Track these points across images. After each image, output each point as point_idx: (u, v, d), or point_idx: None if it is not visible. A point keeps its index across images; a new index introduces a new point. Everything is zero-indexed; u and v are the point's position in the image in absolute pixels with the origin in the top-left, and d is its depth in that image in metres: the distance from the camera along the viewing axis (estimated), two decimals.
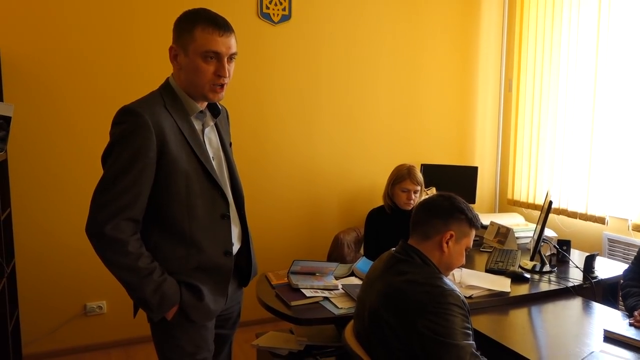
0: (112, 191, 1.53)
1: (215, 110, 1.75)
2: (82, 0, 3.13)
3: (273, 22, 3.59)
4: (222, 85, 1.63)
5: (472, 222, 1.71)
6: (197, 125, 1.69)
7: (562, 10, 3.67)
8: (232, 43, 1.61)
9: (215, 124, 1.77)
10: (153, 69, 3.31)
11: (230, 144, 1.86)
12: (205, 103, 1.71)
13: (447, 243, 1.67)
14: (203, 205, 1.64)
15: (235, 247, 1.77)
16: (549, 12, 3.79)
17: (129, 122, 1.54)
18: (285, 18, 3.63)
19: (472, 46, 4.26)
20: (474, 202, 3.97)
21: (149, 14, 3.29)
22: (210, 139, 1.74)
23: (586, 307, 2.23)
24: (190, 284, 1.63)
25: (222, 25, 1.59)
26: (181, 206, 1.61)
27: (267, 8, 3.56)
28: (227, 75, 1.62)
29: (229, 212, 1.71)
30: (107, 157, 1.57)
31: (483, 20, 4.26)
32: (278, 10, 3.60)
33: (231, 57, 1.63)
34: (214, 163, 1.70)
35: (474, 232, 1.74)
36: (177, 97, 1.65)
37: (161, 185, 1.58)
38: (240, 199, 1.80)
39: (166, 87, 1.68)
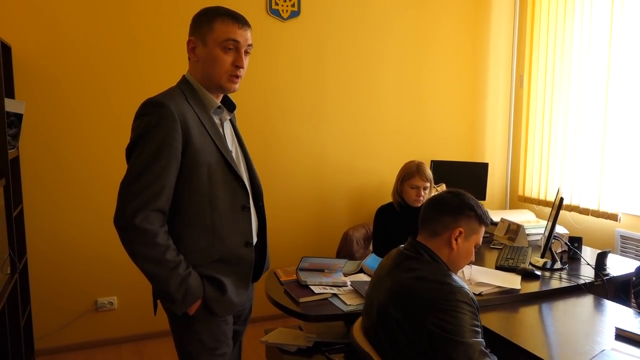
0: (140, 182, 1.54)
1: (231, 105, 1.79)
2: (92, 0, 3.16)
3: (282, 18, 3.59)
4: (237, 77, 1.67)
5: (482, 218, 1.70)
6: (216, 120, 1.73)
7: (575, 5, 3.63)
8: (249, 36, 1.68)
9: (231, 119, 1.82)
10: (161, 67, 3.33)
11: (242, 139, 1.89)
12: (221, 98, 1.76)
13: (456, 240, 1.66)
14: (224, 197, 1.67)
15: (254, 241, 1.78)
16: (561, 7, 3.75)
17: (154, 113, 1.56)
18: (295, 14, 3.62)
19: (483, 41, 4.23)
20: (484, 199, 3.94)
21: (158, 14, 3.30)
22: (227, 133, 1.78)
23: (597, 305, 2.21)
24: (213, 277, 1.65)
25: (240, 19, 1.66)
26: (203, 197, 1.63)
27: (277, 4, 3.56)
28: (244, 65, 1.67)
29: (249, 204, 1.73)
30: (133, 148, 1.58)
31: (494, 15, 4.23)
32: (287, 6, 3.59)
33: (247, 50, 1.68)
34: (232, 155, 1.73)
35: (483, 229, 1.73)
36: (196, 91, 1.69)
37: (184, 176, 1.60)
38: (258, 192, 1.82)
39: (184, 82, 1.71)
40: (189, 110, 1.62)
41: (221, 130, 1.73)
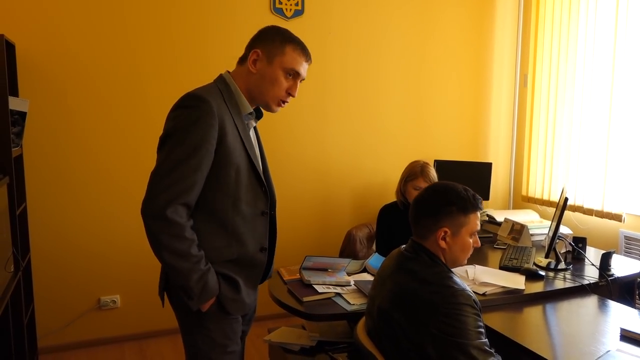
0: (174, 174, 1.55)
1: (258, 112, 1.82)
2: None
3: (286, 17, 3.58)
4: (286, 103, 1.75)
5: (466, 209, 1.62)
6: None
7: (579, 4, 3.62)
8: (306, 69, 1.77)
9: (254, 127, 1.85)
10: (164, 66, 3.33)
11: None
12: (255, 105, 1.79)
13: (443, 240, 1.62)
14: (247, 200, 1.69)
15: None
16: (565, 5, 3.73)
17: (196, 107, 1.58)
18: (298, 13, 3.62)
19: (487, 40, 4.21)
20: (487, 199, 3.93)
21: (164, 14, 3.30)
22: (252, 139, 1.79)
23: (602, 306, 2.20)
24: (227, 275, 1.67)
25: (308, 53, 1.76)
26: (228, 197, 1.65)
27: (280, 3, 3.55)
28: (295, 95, 1.75)
29: (267, 210, 1.75)
30: (169, 138, 1.58)
31: (498, 14, 4.21)
32: (291, 5, 3.58)
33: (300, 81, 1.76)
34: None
35: (474, 216, 1.64)
36: (233, 94, 1.71)
37: (213, 174, 1.62)
38: (272, 200, 1.83)
39: (223, 82, 1.73)
40: (226, 111, 1.64)
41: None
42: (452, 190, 1.65)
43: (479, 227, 1.68)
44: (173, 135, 1.57)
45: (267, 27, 1.75)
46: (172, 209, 1.53)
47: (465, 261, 1.70)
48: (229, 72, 1.76)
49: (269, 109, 1.76)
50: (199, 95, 1.60)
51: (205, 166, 1.59)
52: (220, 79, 1.74)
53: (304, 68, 1.74)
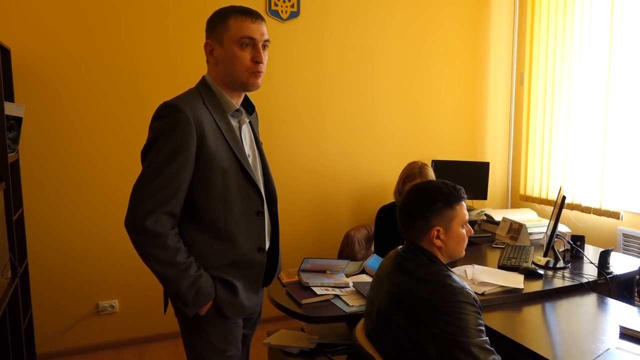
0: (153, 185, 1.54)
1: (249, 107, 1.79)
2: (91, 3, 3.15)
3: (281, 19, 3.58)
4: (259, 72, 1.66)
5: (451, 202, 1.64)
6: (234, 123, 1.72)
7: (575, 2, 3.62)
8: (264, 30, 1.66)
9: (250, 122, 1.81)
10: (159, 70, 3.32)
11: (261, 143, 1.88)
12: (241, 100, 1.75)
13: (437, 238, 1.63)
14: (239, 201, 1.67)
15: (266, 246, 1.78)
16: (561, 4, 3.74)
17: (171, 117, 1.56)
18: (294, 15, 3.61)
19: (483, 39, 4.22)
20: (485, 198, 3.94)
21: (160, 18, 3.29)
22: (245, 136, 1.77)
23: (601, 304, 2.20)
24: (225, 279, 1.65)
25: (253, 13, 1.65)
26: (217, 202, 1.63)
27: (276, 5, 3.55)
28: (263, 61, 1.65)
29: (263, 209, 1.73)
30: (148, 150, 1.58)
31: (494, 13, 4.22)
32: (286, 7, 3.58)
33: (265, 45, 1.66)
34: (249, 160, 1.73)
35: (460, 207, 1.66)
36: (215, 94, 1.68)
37: (199, 180, 1.60)
38: (272, 197, 1.82)
39: (203, 84, 1.71)
40: (205, 114, 1.62)
41: (239, 133, 1.72)
42: (432, 188, 1.67)
43: (467, 217, 1.70)
44: (150, 146, 1.57)
45: (210, 16, 1.70)
46: (153, 219, 1.52)
47: (463, 252, 1.72)
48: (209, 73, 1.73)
49: (248, 87, 1.68)
50: (174, 105, 1.58)
51: (186, 173, 1.57)
52: (202, 81, 1.72)
53: (256, 30, 1.63)
